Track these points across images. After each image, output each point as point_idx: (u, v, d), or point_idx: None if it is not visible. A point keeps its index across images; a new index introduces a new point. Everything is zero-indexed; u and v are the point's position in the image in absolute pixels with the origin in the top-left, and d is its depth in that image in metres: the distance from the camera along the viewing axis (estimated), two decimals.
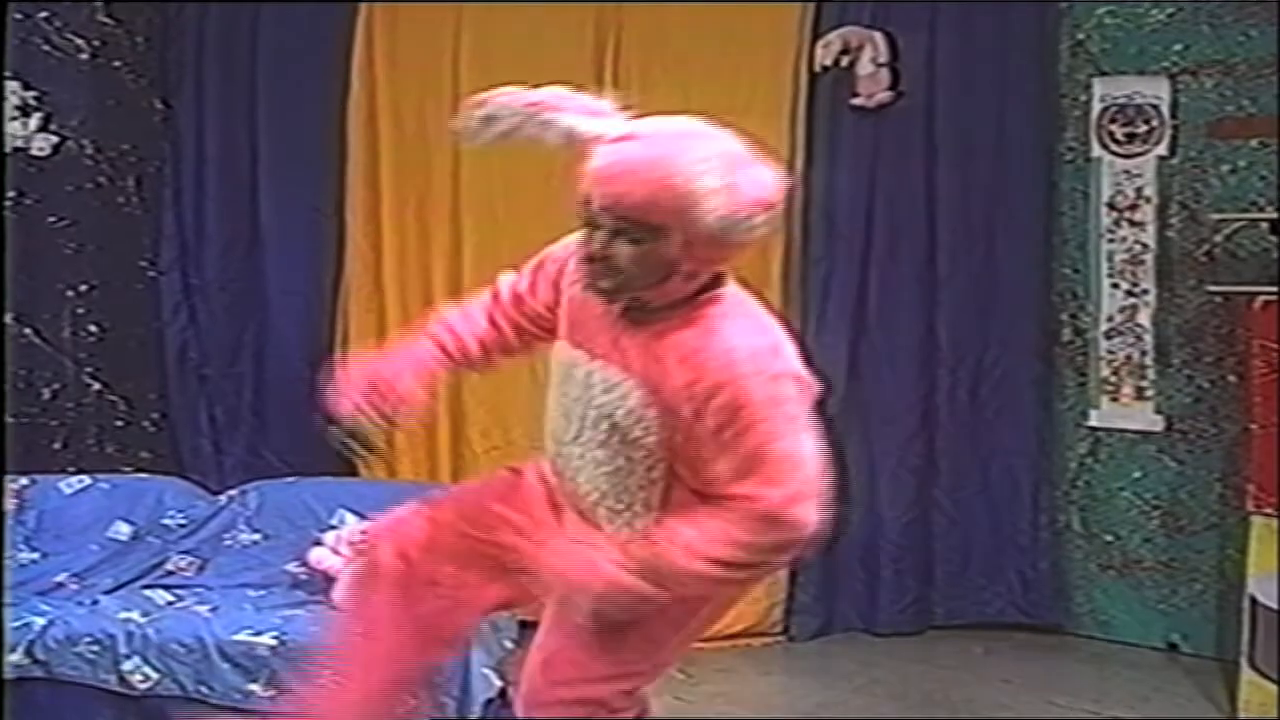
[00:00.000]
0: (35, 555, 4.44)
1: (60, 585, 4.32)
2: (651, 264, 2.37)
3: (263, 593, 4.29)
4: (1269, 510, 4.32)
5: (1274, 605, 4.26)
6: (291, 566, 4.40)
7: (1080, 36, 5.07)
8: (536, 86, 2.50)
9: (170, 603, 4.19)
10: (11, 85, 4.89)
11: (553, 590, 2.57)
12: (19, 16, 4.87)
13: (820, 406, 2.44)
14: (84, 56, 5.04)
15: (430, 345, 2.72)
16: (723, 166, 2.32)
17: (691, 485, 2.48)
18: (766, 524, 2.36)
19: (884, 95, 5.08)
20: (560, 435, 2.57)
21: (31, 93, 4.96)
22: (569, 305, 2.58)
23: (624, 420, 2.46)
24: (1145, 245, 4.99)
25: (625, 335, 2.47)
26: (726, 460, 2.38)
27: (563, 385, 2.56)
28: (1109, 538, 5.13)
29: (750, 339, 2.40)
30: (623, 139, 2.41)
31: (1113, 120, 5.01)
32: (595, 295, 2.46)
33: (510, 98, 2.48)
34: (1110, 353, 5.07)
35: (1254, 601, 4.34)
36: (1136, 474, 5.08)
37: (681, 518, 2.43)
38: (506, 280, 2.75)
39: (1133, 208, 5.01)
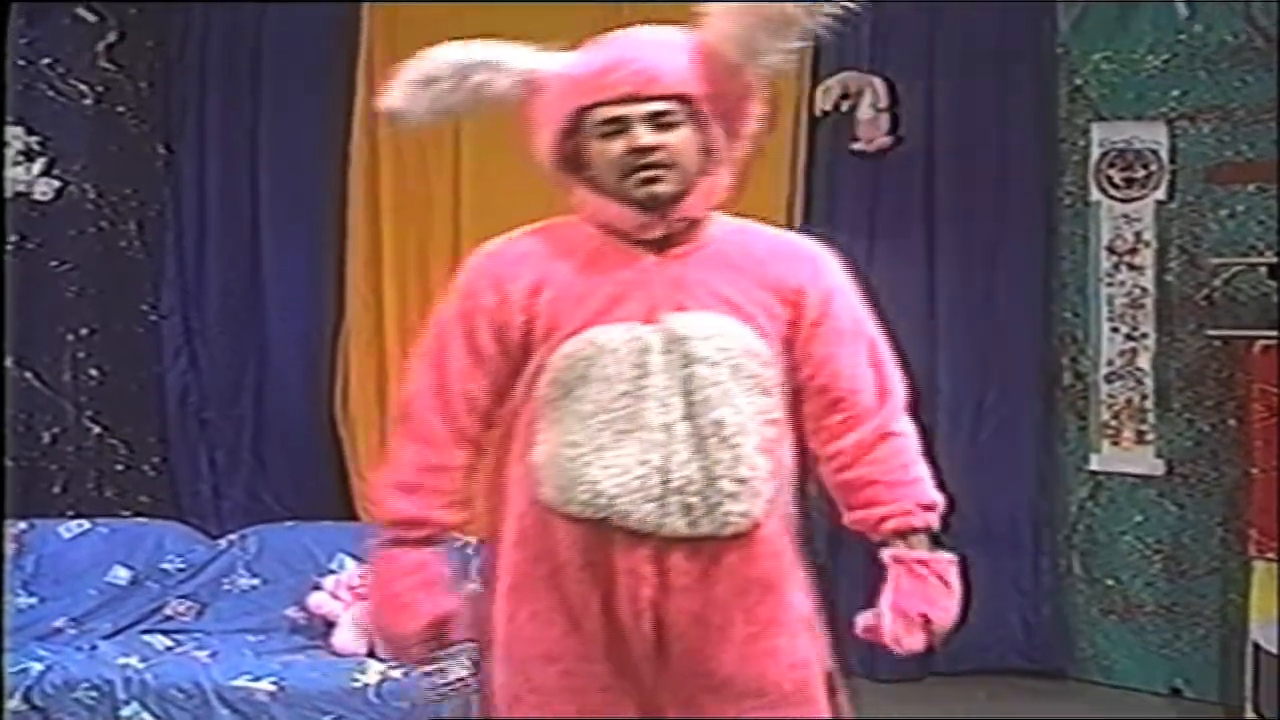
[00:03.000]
0: (33, 600, 4.43)
1: (58, 630, 4.31)
2: (694, 148, 2.24)
3: (262, 638, 4.28)
4: (1270, 555, 4.31)
5: (1276, 651, 4.24)
6: (291, 611, 4.39)
7: (1078, 82, 5.10)
8: None
9: (169, 648, 4.18)
10: (15, 130, 4.93)
11: None
12: (22, 63, 4.91)
13: None
14: (87, 102, 5.07)
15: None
16: (718, 13, 2.21)
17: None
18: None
19: (884, 140, 5.10)
20: (653, 431, 2.20)
21: (35, 138, 4.99)
22: (559, 294, 2.26)
23: (749, 363, 2.24)
24: (1145, 289, 4.99)
25: (668, 278, 2.25)
26: (857, 352, 2.34)
27: (634, 370, 2.21)
28: (1110, 582, 5.12)
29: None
30: (602, 44, 2.28)
31: (1111, 165, 5.02)
32: (647, 209, 2.23)
33: (445, 51, 2.28)
34: (1110, 396, 5.06)
35: (1257, 647, 4.32)
36: (1138, 518, 5.06)
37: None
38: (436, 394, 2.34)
39: (1132, 251, 5.02)
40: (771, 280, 2.30)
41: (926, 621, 2.29)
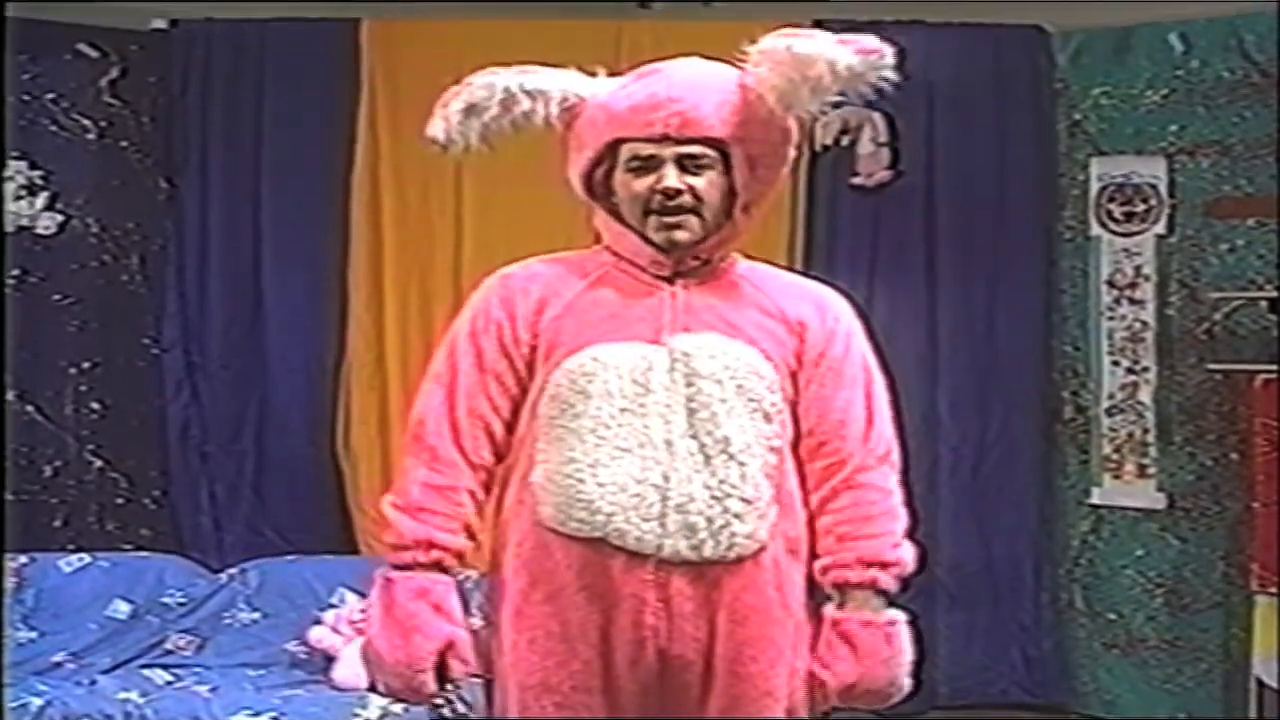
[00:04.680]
0: (33, 634, 4.42)
1: (58, 665, 4.29)
2: (720, 192, 2.25)
3: (262, 672, 4.27)
4: (1272, 589, 4.31)
5: (1278, 686, 4.24)
6: (291, 645, 4.38)
7: (1077, 117, 5.12)
8: None
9: (169, 682, 4.16)
10: (18, 165, 4.95)
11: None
12: (25, 98, 4.94)
13: None
14: (90, 136, 5.09)
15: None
16: (764, 60, 2.20)
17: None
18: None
19: (884, 174, 5.12)
20: (654, 447, 2.19)
21: (38, 172, 5.00)
22: (565, 312, 2.29)
23: (753, 384, 2.23)
24: (1145, 323, 5.01)
25: (677, 304, 2.26)
26: (851, 399, 2.30)
27: (636, 387, 2.21)
28: (1112, 616, 5.11)
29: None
30: (644, 75, 2.28)
31: (1111, 199, 5.04)
32: (663, 250, 2.25)
33: (489, 79, 2.29)
34: (1112, 430, 5.07)
35: (1259, 683, 4.32)
36: (1139, 552, 5.06)
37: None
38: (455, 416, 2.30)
39: (1132, 286, 5.03)
40: (777, 310, 2.31)
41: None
